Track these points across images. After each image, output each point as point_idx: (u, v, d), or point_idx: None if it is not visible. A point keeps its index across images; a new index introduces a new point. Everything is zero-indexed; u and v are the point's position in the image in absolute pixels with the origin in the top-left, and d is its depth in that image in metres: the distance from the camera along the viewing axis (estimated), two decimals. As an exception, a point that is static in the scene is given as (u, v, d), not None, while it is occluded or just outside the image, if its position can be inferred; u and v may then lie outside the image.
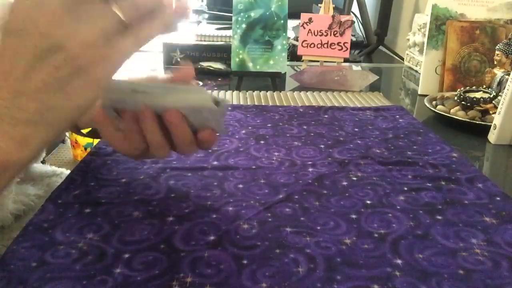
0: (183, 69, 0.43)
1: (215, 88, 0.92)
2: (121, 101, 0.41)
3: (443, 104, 0.78)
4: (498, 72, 0.76)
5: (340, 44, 0.98)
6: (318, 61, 1.01)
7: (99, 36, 0.31)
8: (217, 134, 0.44)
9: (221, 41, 1.21)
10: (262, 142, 0.64)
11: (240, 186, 0.51)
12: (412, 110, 0.86)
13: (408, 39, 1.19)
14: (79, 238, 0.41)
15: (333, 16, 0.97)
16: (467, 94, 0.75)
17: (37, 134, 0.33)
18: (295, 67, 1.12)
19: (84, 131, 0.56)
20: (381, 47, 1.46)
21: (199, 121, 0.42)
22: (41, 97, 0.32)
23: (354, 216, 0.46)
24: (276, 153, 0.60)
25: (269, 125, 0.71)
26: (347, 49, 0.98)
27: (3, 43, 0.32)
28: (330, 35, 0.97)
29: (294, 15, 1.02)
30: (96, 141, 0.66)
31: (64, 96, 0.32)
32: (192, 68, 0.44)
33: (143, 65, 1.10)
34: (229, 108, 0.77)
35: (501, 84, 0.74)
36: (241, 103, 0.82)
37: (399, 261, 0.39)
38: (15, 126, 0.32)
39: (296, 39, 1.18)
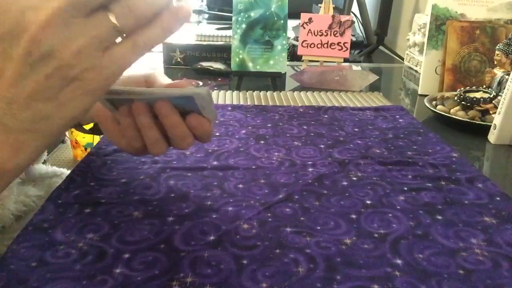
0: (178, 82, 0.43)
1: (215, 88, 0.92)
2: (116, 97, 0.42)
3: (443, 104, 0.78)
4: (498, 72, 0.76)
5: (340, 44, 0.98)
6: (318, 61, 1.01)
7: (93, 44, 0.30)
8: (207, 119, 0.43)
9: (221, 41, 1.21)
10: (262, 142, 0.64)
11: (240, 186, 0.51)
12: (412, 110, 0.86)
13: (408, 39, 1.19)
14: (79, 238, 0.41)
15: (333, 16, 0.97)
16: (467, 94, 0.75)
17: (31, 141, 0.33)
18: (295, 67, 1.12)
19: (86, 127, 0.56)
20: (381, 47, 1.46)
21: (189, 109, 0.42)
22: (33, 106, 0.31)
23: (354, 216, 0.46)
24: (276, 153, 0.60)
25: (269, 125, 0.71)
26: (347, 49, 0.98)
27: None
28: (330, 35, 0.97)
29: (294, 15, 1.02)
30: (96, 141, 0.66)
31: (57, 106, 0.31)
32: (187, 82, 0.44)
33: (142, 65, 1.10)
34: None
35: (501, 84, 0.74)
36: (241, 103, 0.82)
37: (399, 261, 0.39)
38: (9, 133, 0.32)
39: (296, 39, 1.18)
